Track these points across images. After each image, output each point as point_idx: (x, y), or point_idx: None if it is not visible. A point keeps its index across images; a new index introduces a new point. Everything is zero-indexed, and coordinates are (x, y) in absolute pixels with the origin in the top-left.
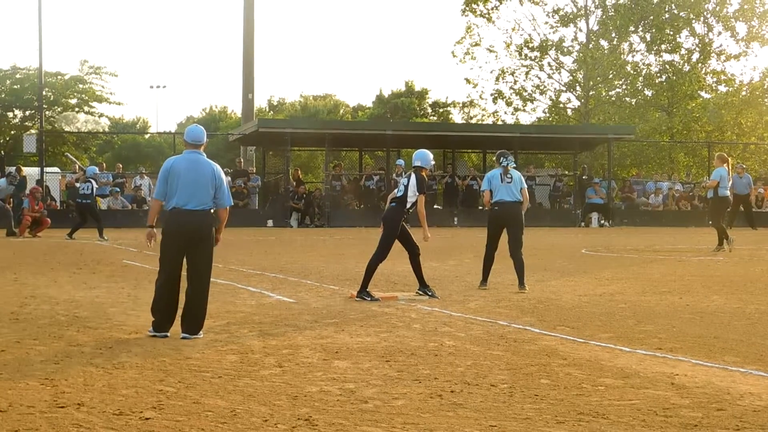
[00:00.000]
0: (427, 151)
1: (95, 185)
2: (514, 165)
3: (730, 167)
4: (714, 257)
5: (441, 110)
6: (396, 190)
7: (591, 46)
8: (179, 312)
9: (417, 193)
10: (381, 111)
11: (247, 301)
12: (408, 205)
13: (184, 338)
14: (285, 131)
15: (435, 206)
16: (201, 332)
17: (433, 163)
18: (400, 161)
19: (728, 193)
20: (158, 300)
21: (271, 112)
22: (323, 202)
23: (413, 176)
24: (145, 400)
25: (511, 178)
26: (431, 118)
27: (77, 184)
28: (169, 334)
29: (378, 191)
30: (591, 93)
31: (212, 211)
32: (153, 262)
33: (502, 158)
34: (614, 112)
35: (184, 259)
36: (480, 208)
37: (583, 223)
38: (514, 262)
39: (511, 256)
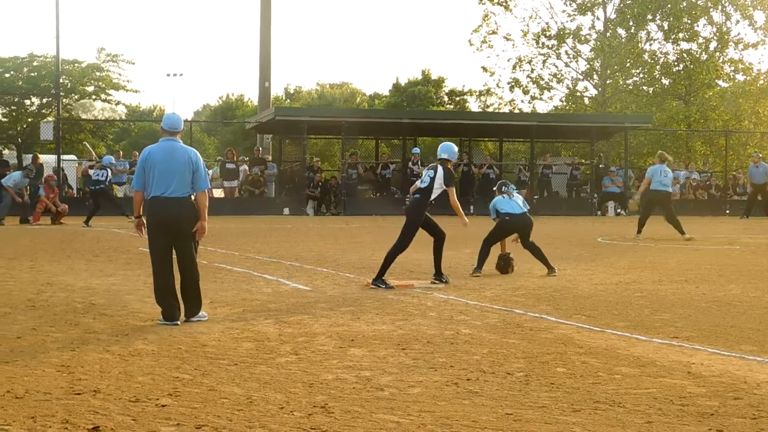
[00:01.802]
0: (452, 144)
1: (110, 174)
2: (515, 191)
3: (669, 166)
4: (730, 246)
5: (457, 99)
6: (419, 182)
7: (608, 34)
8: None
9: (444, 187)
10: (397, 99)
11: (263, 289)
12: (432, 197)
13: (185, 321)
14: (301, 119)
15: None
16: (202, 313)
17: (456, 156)
18: (416, 149)
19: (662, 188)
20: (157, 289)
21: (288, 101)
22: (339, 191)
23: (440, 169)
24: (162, 387)
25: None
26: (448, 106)
27: (90, 171)
28: (179, 322)
29: (394, 180)
30: (608, 82)
31: (192, 197)
32: None
33: (503, 187)
34: (631, 100)
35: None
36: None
37: (599, 212)
38: (532, 251)
39: (525, 247)
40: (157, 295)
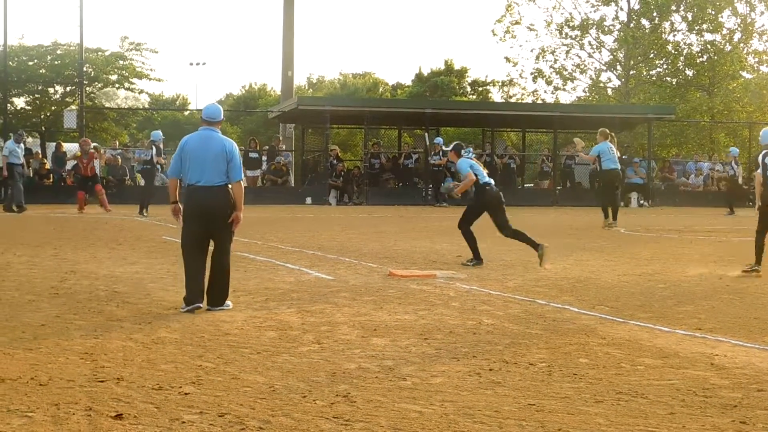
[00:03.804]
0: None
1: (154, 152)
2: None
3: (616, 143)
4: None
5: (480, 89)
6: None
7: (632, 25)
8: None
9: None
10: (420, 89)
11: (286, 278)
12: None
13: (208, 310)
14: (324, 109)
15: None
16: (227, 302)
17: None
18: (439, 139)
19: (614, 165)
20: (186, 276)
21: (311, 90)
22: (362, 180)
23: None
24: (185, 375)
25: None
26: (470, 96)
27: (136, 153)
28: (201, 305)
29: (417, 170)
30: (631, 72)
31: (228, 187)
32: None
33: (462, 150)
34: (654, 91)
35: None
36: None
37: (622, 203)
38: (516, 236)
39: (507, 235)
40: (189, 281)
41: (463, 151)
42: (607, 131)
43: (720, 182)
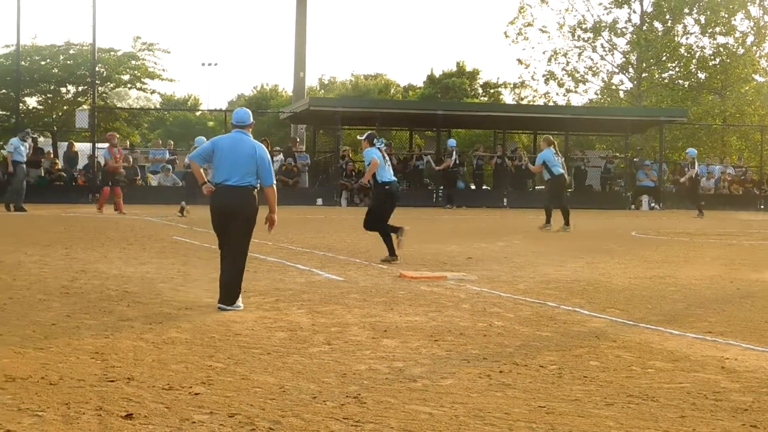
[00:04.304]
0: None
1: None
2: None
3: (557, 149)
4: (765, 241)
5: (492, 91)
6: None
7: (645, 27)
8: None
9: None
10: (432, 91)
11: (296, 279)
12: None
13: (219, 308)
14: (336, 110)
15: (484, 187)
16: (238, 303)
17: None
18: (452, 141)
19: (562, 170)
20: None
21: (322, 91)
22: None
23: None
24: (195, 375)
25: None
26: (482, 98)
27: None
28: (242, 305)
29: (427, 171)
30: (644, 75)
31: (254, 190)
32: (202, 239)
33: (375, 139)
34: (667, 94)
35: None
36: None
37: (633, 206)
38: (388, 229)
39: (368, 228)
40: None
41: (375, 141)
42: (551, 138)
43: (682, 184)
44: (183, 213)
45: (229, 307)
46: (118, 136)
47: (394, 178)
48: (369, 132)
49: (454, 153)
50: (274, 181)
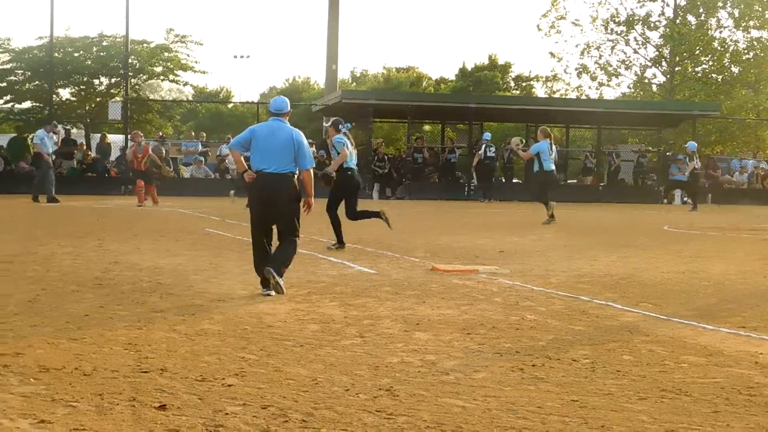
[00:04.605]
0: None
1: None
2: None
3: (553, 142)
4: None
5: (524, 84)
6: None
7: (678, 21)
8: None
9: None
10: (464, 84)
11: (329, 272)
12: None
13: (267, 272)
14: (368, 103)
15: (514, 180)
16: (281, 278)
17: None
18: (487, 135)
19: (553, 167)
20: (255, 259)
21: (354, 84)
22: (405, 175)
23: None
24: (228, 367)
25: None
26: (514, 91)
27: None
28: (273, 293)
29: (459, 164)
30: (677, 69)
31: (294, 176)
32: (234, 231)
33: (341, 126)
34: (700, 88)
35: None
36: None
37: (665, 200)
38: (359, 217)
39: (351, 217)
40: (255, 265)
41: (341, 126)
42: (548, 130)
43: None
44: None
45: (275, 274)
46: (141, 134)
47: (355, 166)
48: (335, 118)
49: (483, 146)
50: (313, 165)
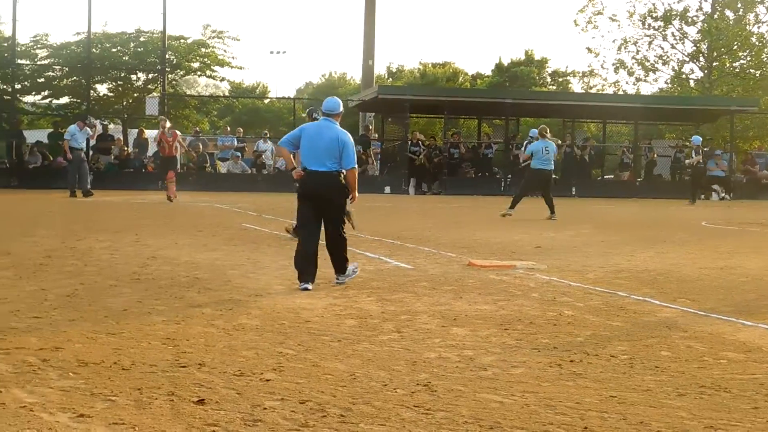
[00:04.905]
0: None
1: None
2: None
3: (551, 140)
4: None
5: (560, 79)
6: None
7: (716, 16)
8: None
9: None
10: (500, 80)
11: (365, 267)
12: None
13: (337, 282)
14: (404, 98)
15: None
16: (351, 268)
17: None
18: (534, 131)
19: (542, 166)
20: (297, 253)
21: (390, 79)
22: (441, 169)
23: None
24: (265, 361)
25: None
26: (550, 87)
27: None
28: (310, 287)
29: (496, 160)
30: (714, 64)
31: (341, 175)
32: (271, 226)
33: (315, 114)
34: (738, 83)
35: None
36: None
37: (703, 196)
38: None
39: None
40: (296, 260)
41: (315, 114)
42: (546, 129)
43: (685, 171)
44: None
45: (344, 277)
46: (166, 120)
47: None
48: (310, 108)
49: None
50: (354, 166)
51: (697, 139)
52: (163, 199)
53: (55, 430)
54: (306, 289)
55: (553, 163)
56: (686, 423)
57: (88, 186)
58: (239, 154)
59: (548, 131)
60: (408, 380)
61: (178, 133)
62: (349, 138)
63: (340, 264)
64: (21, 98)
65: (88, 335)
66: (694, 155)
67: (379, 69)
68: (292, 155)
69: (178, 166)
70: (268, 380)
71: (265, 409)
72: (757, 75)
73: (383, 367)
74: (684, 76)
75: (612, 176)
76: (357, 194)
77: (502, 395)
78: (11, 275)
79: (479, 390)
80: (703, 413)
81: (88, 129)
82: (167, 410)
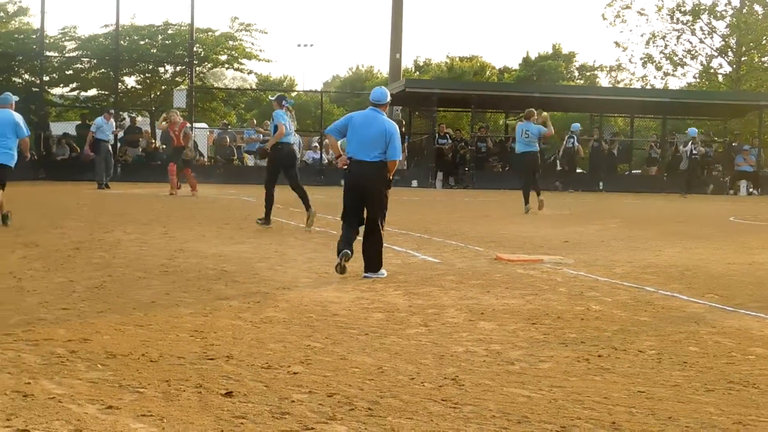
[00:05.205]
0: None
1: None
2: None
3: (544, 120)
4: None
5: (588, 74)
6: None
7: (744, 11)
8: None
9: None
10: (527, 74)
11: (393, 261)
12: None
13: (365, 276)
14: (432, 92)
15: (578, 170)
16: (381, 271)
17: None
18: (576, 125)
19: (523, 148)
20: (340, 238)
21: (417, 73)
22: (468, 163)
23: None
24: (293, 354)
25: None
26: (578, 81)
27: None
28: (350, 253)
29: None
30: (743, 59)
31: (386, 165)
32: (298, 219)
33: (284, 101)
34: (766, 78)
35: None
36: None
37: (731, 191)
38: (299, 193)
39: (294, 188)
40: (339, 244)
41: (284, 102)
42: (533, 111)
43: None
44: None
45: (373, 275)
46: (176, 111)
47: (290, 140)
48: (279, 94)
49: (574, 138)
50: (399, 158)
51: (693, 131)
52: (189, 191)
53: (83, 421)
54: (346, 254)
55: (537, 144)
56: (714, 418)
57: (106, 179)
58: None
59: (535, 114)
60: (435, 374)
61: (187, 123)
62: (397, 129)
63: (373, 265)
64: (49, 90)
65: (117, 327)
66: (682, 147)
67: (406, 62)
68: (338, 143)
69: (189, 159)
70: (295, 373)
71: (292, 401)
72: None
73: (410, 361)
74: (712, 70)
75: (639, 171)
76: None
77: (530, 389)
78: (40, 267)
79: (507, 384)
80: (732, 409)
81: (113, 121)
82: (195, 402)
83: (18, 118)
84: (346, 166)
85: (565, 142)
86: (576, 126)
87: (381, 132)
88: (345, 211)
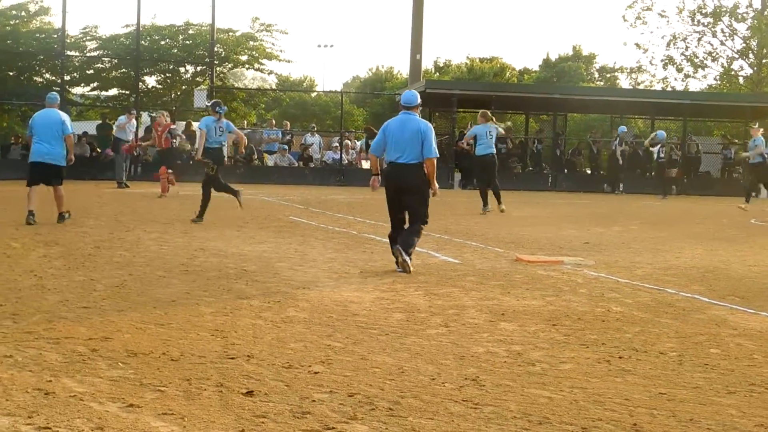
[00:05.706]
0: None
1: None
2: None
3: (497, 126)
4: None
5: (608, 75)
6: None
7: (766, 13)
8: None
9: None
10: (547, 75)
11: (413, 261)
12: None
13: (397, 248)
14: (452, 92)
15: (600, 172)
16: (410, 257)
17: None
18: (623, 128)
19: (488, 150)
20: (391, 234)
21: (437, 74)
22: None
23: None
24: (314, 354)
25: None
26: (598, 82)
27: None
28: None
29: (543, 155)
30: (764, 61)
31: (424, 165)
32: (319, 219)
33: (218, 108)
34: None
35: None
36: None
37: (754, 194)
38: (226, 191)
39: (218, 189)
40: (391, 238)
41: (217, 108)
42: (489, 113)
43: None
44: None
45: (405, 255)
46: (165, 113)
47: (217, 145)
48: (214, 100)
49: (622, 142)
50: (435, 155)
51: (661, 133)
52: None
53: (104, 419)
54: (399, 248)
55: (494, 147)
56: (736, 421)
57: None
58: (286, 147)
59: (490, 115)
60: (456, 374)
61: (172, 125)
62: (430, 128)
63: (408, 243)
64: (70, 90)
65: (137, 326)
66: (659, 149)
67: (427, 63)
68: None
69: (176, 160)
70: (316, 373)
71: (313, 401)
72: None
73: (431, 361)
74: (733, 72)
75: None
76: (437, 185)
77: (551, 390)
78: (61, 265)
79: (527, 385)
80: (753, 411)
81: (134, 121)
82: (216, 401)
83: (64, 116)
84: (375, 187)
85: (615, 147)
86: (622, 129)
87: (415, 132)
88: (390, 215)
